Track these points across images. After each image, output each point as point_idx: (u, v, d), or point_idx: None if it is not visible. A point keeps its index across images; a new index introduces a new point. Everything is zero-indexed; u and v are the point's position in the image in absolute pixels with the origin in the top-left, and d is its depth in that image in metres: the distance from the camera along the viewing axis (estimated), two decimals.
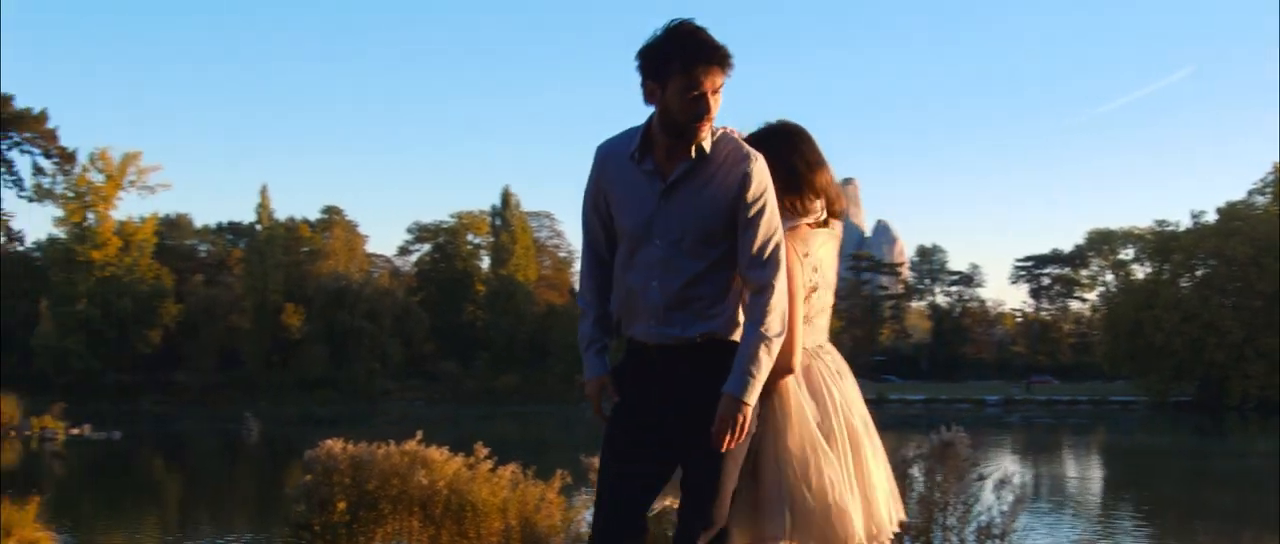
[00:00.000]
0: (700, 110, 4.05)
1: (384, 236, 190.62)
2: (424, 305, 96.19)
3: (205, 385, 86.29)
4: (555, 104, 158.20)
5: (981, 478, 14.42)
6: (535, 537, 15.28)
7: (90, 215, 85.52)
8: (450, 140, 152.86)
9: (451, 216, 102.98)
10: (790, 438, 4.31)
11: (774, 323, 4.12)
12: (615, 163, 4.26)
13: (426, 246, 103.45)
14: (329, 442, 16.44)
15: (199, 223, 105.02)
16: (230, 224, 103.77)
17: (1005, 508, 13.73)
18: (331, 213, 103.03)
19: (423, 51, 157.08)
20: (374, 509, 16.02)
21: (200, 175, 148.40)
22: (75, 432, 51.76)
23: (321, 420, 64.44)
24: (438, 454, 16.09)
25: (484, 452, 15.98)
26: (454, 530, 15.65)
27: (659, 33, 4.11)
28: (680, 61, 4.00)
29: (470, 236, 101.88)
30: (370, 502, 16.01)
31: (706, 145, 4.10)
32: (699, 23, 4.10)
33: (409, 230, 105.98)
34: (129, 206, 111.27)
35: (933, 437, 14.58)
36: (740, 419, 4.03)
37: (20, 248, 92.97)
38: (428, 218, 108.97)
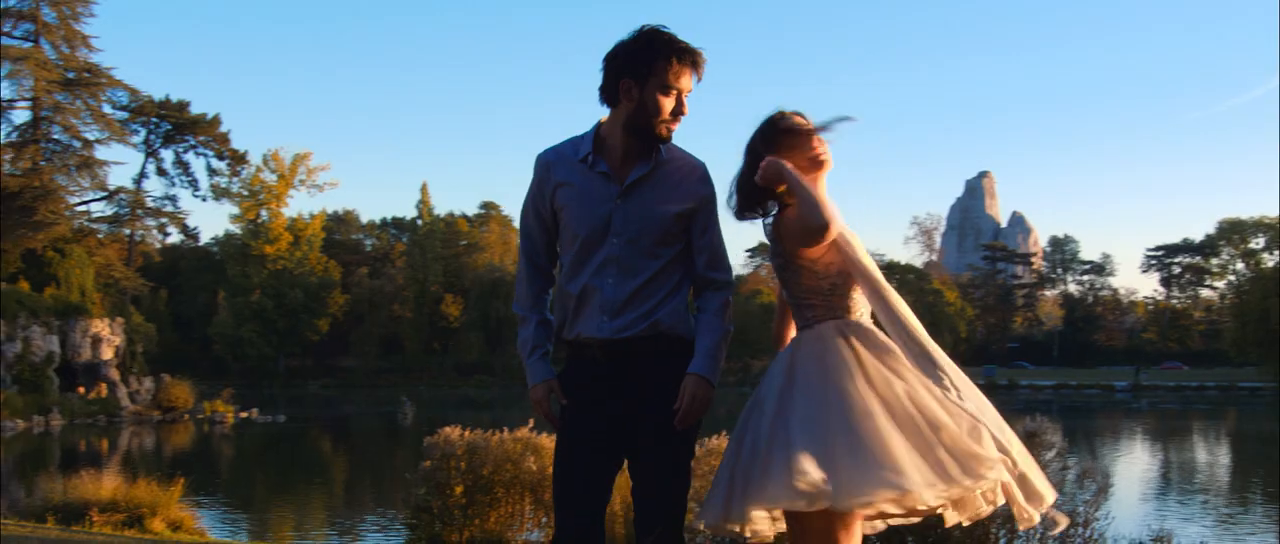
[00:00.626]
0: (676, 110, 4.09)
1: None
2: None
3: (369, 370, 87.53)
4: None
5: (1066, 468, 14.10)
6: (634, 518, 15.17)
7: (263, 212, 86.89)
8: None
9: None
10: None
11: (730, 318, 4.27)
12: (564, 168, 4.23)
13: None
14: (447, 429, 16.50)
15: (364, 219, 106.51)
16: (393, 219, 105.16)
17: (1088, 497, 13.40)
18: (488, 208, 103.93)
19: (566, 55, 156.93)
20: (488, 492, 16.02)
21: (365, 174, 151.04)
22: (243, 415, 52.59)
23: (476, 404, 65.13)
24: (548, 441, 16.08)
25: None
26: None
27: (638, 34, 4.08)
28: (664, 61, 4.00)
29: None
30: (485, 486, 16.00)
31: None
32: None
33: None
34: (299, 204, 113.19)
35: (1025, 424, 14.33)
36: (706, 399, 4.06)
37: (197, 244, 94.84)
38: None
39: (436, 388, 78.92)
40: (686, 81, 4.09)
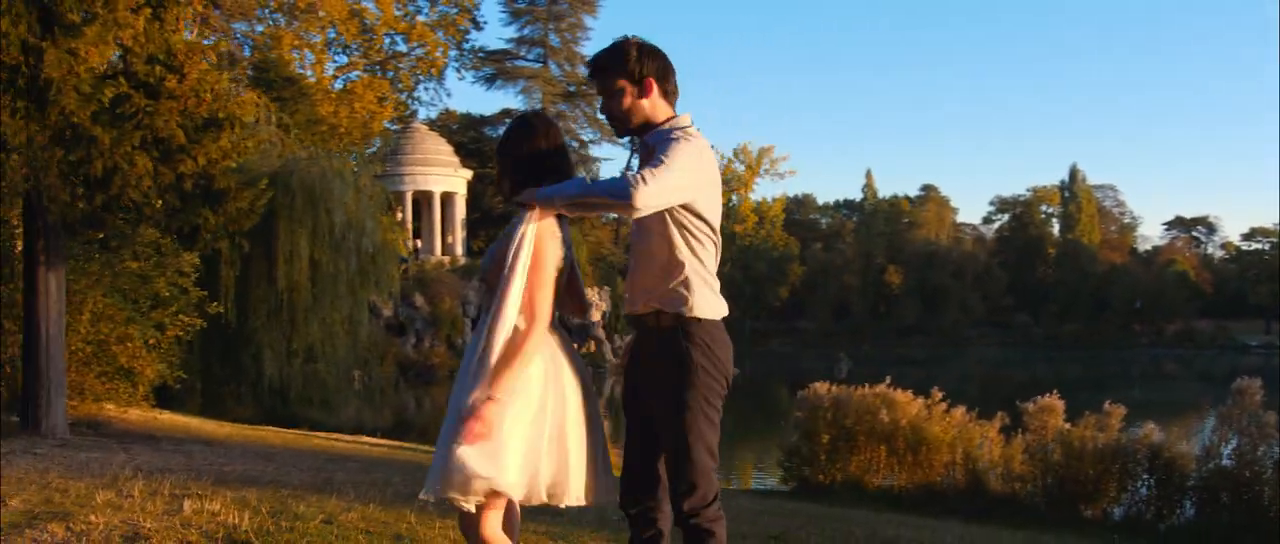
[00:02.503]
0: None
1: (971, 209, 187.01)
2: (1002, 266, 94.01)
3: (821, 331, 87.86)
4: (1118, 90, 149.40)
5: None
6: (976, 469, 14.58)
7: (733, 197, 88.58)
8: (1025, 125, 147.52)
9: (1027, 191, 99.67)
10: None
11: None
12: None
13: (1005, 217, 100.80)
14: (816, 385, 16.36)
15: (819, 201, 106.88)
16: (844, 201, 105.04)
17: None
18: (928, 190, 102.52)
19: (1000, 48, 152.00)
20: (850, 441, 15.80)
21: (820, 162, 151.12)
22: None
23: (911, 362, 64.44)
24: (902, 396, 15.69)
25: (939, 395, 15.45)
26: (911, 460, 15.20)
27: (651, 45, 3.86)
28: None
29: (1043, 207, 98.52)
30: (847, 435, 15.79)
31: None
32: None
33: (991, 203, 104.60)
34: (763, 189, 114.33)
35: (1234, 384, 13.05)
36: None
37: None
38: (1006, 193, 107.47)
39: (878, 347, 78.43)
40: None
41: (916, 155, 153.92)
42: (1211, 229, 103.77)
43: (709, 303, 3.77)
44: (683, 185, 3.61)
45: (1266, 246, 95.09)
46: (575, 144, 63.23)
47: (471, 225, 56.71)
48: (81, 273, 13.97)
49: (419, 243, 52.98)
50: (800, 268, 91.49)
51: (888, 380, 15.94)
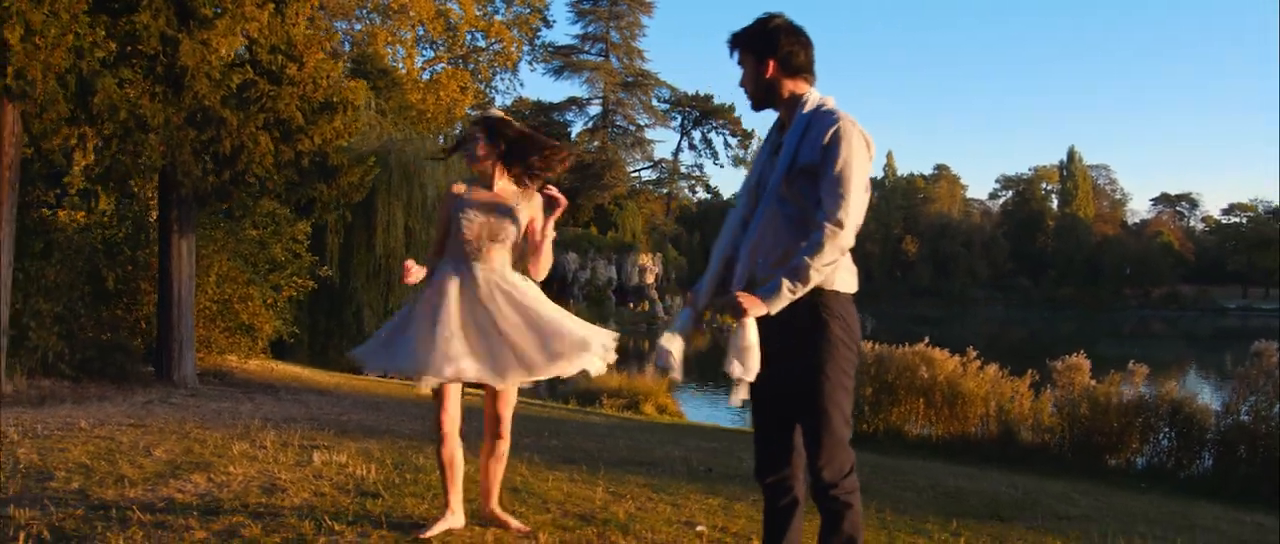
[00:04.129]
0: None
1: (979, 186, 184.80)
2: (1006, 236, 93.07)
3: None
4: (1112, 79, 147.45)
5: None
6: (1007, 421, 14.09)
7: None
8: (1029, 111, 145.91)
9: (1030, 170, 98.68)
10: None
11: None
12: None
13: (1009, 193, 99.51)
14: (862, 344, 15.91)
15: None
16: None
17: None
18: (940, 169, 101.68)
19: (1007, 45, 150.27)
20: (891, 394, 15.35)
21: None
22: None
23: (925, 320, 63.96)
24: (940, 354, 15.22)
25: (974, 353, 14.97)
26: (947, 413, 14.73)
27: (793, 24, 3.41)
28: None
29: (1043, 185, 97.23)
30: (889, 388, 15.34)
31: None
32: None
33: (996, 181, 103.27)
34: None
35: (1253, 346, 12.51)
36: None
37: (719, 199, 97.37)
38: (1011, 171, 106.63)
39: (895, 306, 77.96)
40: None
41: (931, 139, 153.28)
42: (1194, 204, 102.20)
43: (847, 276, 3.35)
44: (863, 197, 3.30)
45: (1243, 220, 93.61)
46: (633, 128, 62.98)
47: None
48: (208, 240, 13.73)
49: None
50: None
51: (926, 340, 15.47)
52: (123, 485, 5.04)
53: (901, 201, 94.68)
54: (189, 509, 4.60)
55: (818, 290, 3.23)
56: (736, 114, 69.98)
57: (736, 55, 3.42)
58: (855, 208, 3.20)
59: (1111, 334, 56.85)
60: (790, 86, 3.36)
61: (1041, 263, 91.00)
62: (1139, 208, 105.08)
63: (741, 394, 3.24)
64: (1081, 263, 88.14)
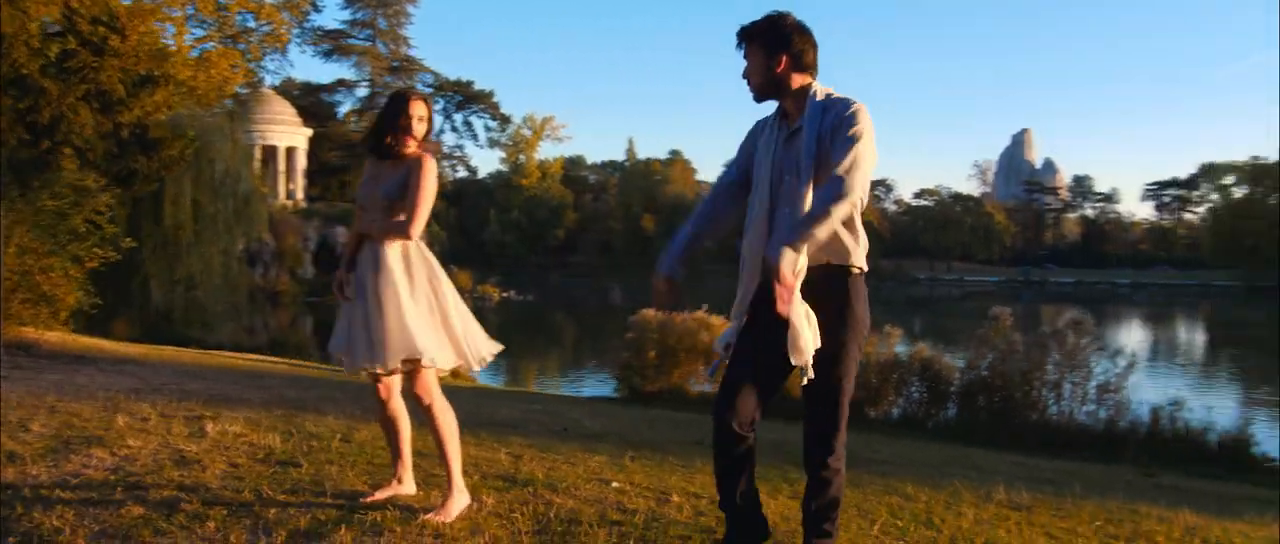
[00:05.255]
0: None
1: (708, 169, 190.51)
2: None
3: (590, 266, 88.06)
4: (825, 71, 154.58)
5: (1102, 349, 13.11)
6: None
7: (521, 157, 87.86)
8: (749, 102, 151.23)
9: None
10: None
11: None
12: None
13: None
14: (645, 310, 16.05)
15: (590, 161, 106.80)
16: (609, 162, 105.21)
17: (1118, 370, 12.46)
18: (674, 154, 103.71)
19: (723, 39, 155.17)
20: (673, 357, 15.59)
21: (591, 128, 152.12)
22: (505, 295, 53.34)
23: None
24: (717, 320, 15.54)
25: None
26: None
27: (799, 20, 3.33)
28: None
29: None
30: (670, 351, 15.58)
31: None
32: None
33: (723, 165, 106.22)
34: (545, 150, 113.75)
35: (1066, 315, 13.42)
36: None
37: (477, 178, 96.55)
38: (732, 155, 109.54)
39: (637, 278, 79.49)
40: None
41: (668, 126, 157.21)
42: (889, 188, 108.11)
43: (864, 255, 3.32)
44: (869, 167, 3.16)
45: (931, 203, 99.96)
46: None
47: (310, 175, 54.61)
48: (10, 210, 12.48)
49: (267, 189, 50.86)
50: (574, 214, 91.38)
51: (705, 307, 15.78)
52: (21, 464, 4.50)
53: (641, 183, 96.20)
54: (108, 485, 4.15)
55: (847, 270, 3.22)
56: (495, 99, 69.43)
57: (743, 47, 3.34)
58: (863, 171, 3.11)
59: None
60: (799, 80, 3.30)
61: None
62: None
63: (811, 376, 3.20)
64: None
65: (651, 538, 3.79)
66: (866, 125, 3.17)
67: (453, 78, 67.68)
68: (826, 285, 3.19)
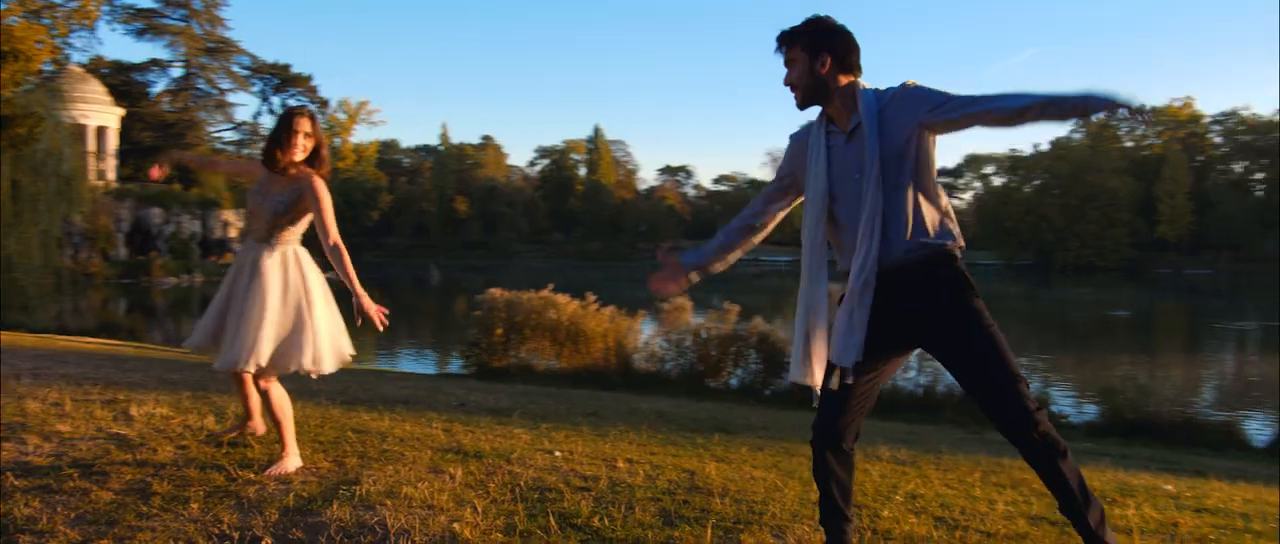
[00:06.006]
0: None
1: (520, 155, 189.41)
2: (543, 198, 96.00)
3: (405, 246, 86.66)
4: (633, 71, 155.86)
5: None
6: (624, 353, 14.76)
7: (337, 140, 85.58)
8: (563, 92, 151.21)
9: (562, 142, 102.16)
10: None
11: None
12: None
13: (546, 161, 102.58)
14: (493, 290, 15.96)
15: (404, 145, 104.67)
16: (423, 146, 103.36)
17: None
18: (486, 139, 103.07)
19: (546, 30, 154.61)
20: (519, 334, 15.55)
21: (405, 113, 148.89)
22: (326, 276, 51.87)
23: (477, 269, 65.00)
24: (562, 298, 15.59)
25: (593, 297, 15.48)
26: (572, 348, 15.15)
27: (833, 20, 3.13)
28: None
29: (573, 155, 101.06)
30: (517, 329, 15.53)
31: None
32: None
33: (535, 151, 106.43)
34: (361, 134, 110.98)
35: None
36: None
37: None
38: (546, 143, 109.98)
39: (450, 258, 78.71)
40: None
41: (479, 111, 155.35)
42: (690, 174, 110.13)
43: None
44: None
45: (729, 188, 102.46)
46: (214, 92, 58.42)
47: (122, 155, 51.46)
48: None
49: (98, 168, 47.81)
50: (389, 197, 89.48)
51: (551, 286, 15.79)
52: None
53: (454, 167, 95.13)
54: (60, 472, 3.90)
55: (962, 250, 3.10)
56: (313, 83, 67.09)
57: (783, 51, 3.14)
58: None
59: (631, 281, 60.51)
60: (845, 80, 3.09)
61: (572, 221, 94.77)
62: (648, 176, 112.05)
63: (837, 381, 3.02)
64: (605, 222, 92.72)
65: (624, 500, 3.85)
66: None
67: (270, 61, 64.85)
68: (945, 272, 3.06)
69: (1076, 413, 12.06)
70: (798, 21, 3.15)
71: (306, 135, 4.24)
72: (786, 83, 3.16)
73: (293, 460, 4.13)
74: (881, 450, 6.05)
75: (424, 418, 5.91)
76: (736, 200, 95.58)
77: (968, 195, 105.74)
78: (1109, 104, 2.77)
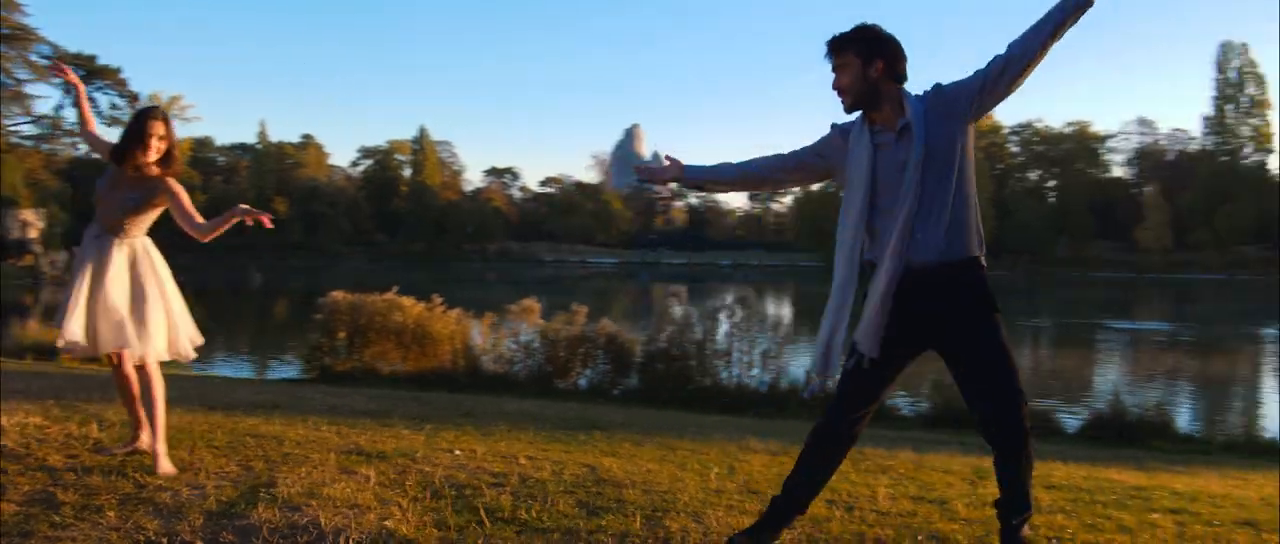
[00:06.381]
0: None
1: (341, 154, 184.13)
2: (366, 198, 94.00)
3: (225, 247, 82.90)
4: (458, 72, 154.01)
5: (763, 321, 14.33)
6: (473, 356, 14.69)
7: None
8: (386, 93, 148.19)
9: (386, 143, 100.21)
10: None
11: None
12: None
13: (369, 162, 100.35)
14: (335, 293, 15.59)
15: (219, 142, 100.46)
16: (240, 144, 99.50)
17: (780, 339, 13.72)
18: (307, 139, 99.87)
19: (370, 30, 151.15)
20: (364, 337, 15.26)
21: (221, 110, 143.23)
22: None
23: (298, 271, 63.13)
24: (408, 301, 15.37)
25: (439, 299, 15.32)
26: (418, 351, 14.98)
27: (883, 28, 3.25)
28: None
29: (398, 156, 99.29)
30: (361, 332, 15.24)
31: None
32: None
33: (358, 151, 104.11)
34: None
35: (732, 295, 14.51)
36: None
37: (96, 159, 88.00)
38: (370, 143, 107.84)
39: (272, 259, 76.11)
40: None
41: (298, 111, 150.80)
42: (516, 176, 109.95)
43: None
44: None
45: (556, 191, 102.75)
46: (11, 82, 54.48)
47: None
48: None
49: None
50: (202, 196, 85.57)
51: (395, 288, 15.56)
52: None
53: (273, 166, 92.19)
54: None
55: (980, 264, 3.20)
56: (121, 76, 63.41)
57: (834, 58, 3.23)
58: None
59: (459, 281, 59.91)
60: (894, 87, 3.19)
61: (397, 222, 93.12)
62: (474, 178, 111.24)
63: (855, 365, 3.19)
64: (430, 223, 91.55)
65: (539, 494, 3.97)
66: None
67: (73, 51, 61.02)
68: (972, 276, 3.20)
69: (910, 406, 12.74)
70: (847, 29, 3.24)
71: (160, 138, 4.32)
72: (836, 87, 3.22)
73: (157, 446, 4.11)
74: (752, 442, 6.34)
75: (308, 422, 5.85)
76: (563, 202, 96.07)
77: (788, 198, 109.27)
78: None
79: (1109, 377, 19.90)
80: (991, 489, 4.74)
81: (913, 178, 3.08)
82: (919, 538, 3.64)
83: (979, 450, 7.64)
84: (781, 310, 46.68)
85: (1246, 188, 79.95)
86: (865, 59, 3.17)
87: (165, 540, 3.18)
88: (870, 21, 3.23)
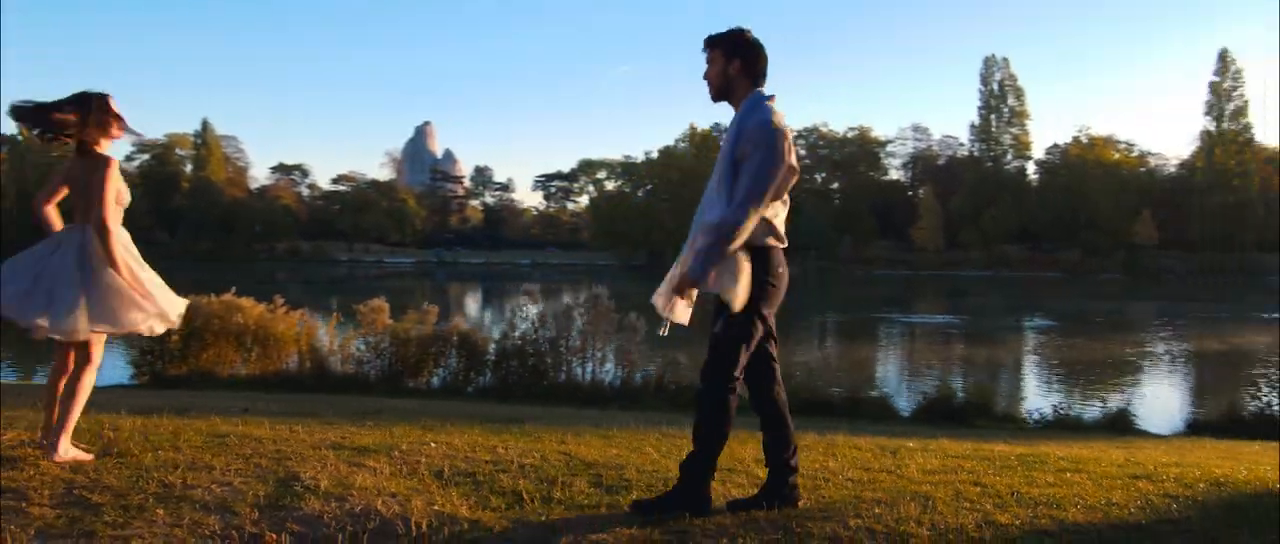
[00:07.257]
0: None
1: (116, 148, 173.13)
2: (145, 195, 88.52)
3: None
4: (242, 63, 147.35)
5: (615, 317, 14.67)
6: (320, 356, 14.48)
7: None
8: (163, 83, 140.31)
9: (165, 136, 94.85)
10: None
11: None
12: None
13: (147, 156, 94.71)
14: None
15: None
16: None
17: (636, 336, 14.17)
18: None
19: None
20: (200, 340, 14.79)
21: None
22: None
23: None
24: (248, 302, 14.99)
25: (281, 300, 15.00)
26: (260, 353, 14.66)
27: (751, 35, 3.73)
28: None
29: (178, 150, 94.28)
30: (197, 335, 14.76)
31: None
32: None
33: (133, 145, 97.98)
34: None
35: (585, 293, 14.88)
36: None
37: None
38: (146, 137, 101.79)
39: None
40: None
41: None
42: (306, 173, 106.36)
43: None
44: (769, 184, 3.64)
45: (348, 189, 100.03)
46: None
47: None
48: None
49: None
50: None
51: (233, 290, 15.13)
52: None
53: (36, 158, 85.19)
54: None
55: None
56: None
57: (707, 52, 3.73)
58: (757, 194, 3.65)
59: (249, 282, 57.69)
60: (746, 85, 3.70)
61: (178, 220, 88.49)
62: (260, 174, 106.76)
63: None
64: (215, 221, 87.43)
65: (547, 476, 4.25)
66: (765, 152, 3.61)
67: None
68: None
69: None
70: (723, 30, 3.76)
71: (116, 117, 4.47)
72: (705, 76, 3.76)
73: (64, 446, 4.22)
74: (654, 429, 6.75)
75: (262, 424, 5.87)
76: (356, 201, 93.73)
77: (583, 199, 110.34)
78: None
79: (918, 365, 21.52)
80: (907, 459, 5.34)
81: (716, 172, 3.73)
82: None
83: (855, 432, 8.33)
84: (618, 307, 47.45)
85: (1008, 191, 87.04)
86: (727, 56, 3.69)
87: (234, 533, 3.32)
88: (744, 27, 3.73)
